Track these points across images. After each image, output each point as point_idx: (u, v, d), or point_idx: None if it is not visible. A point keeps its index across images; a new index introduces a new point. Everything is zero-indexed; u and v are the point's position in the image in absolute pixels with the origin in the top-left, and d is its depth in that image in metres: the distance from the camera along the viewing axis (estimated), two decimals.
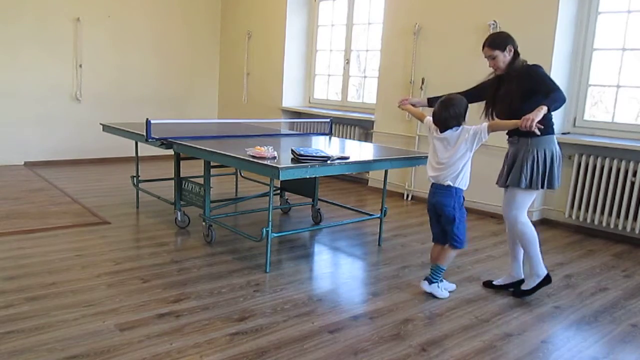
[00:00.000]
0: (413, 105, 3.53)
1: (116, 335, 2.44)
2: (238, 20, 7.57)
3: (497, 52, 3.09)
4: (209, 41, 7.82)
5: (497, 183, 3.26)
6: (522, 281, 3.21)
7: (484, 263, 3.75)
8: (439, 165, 3.05)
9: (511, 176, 3.09)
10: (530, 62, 3.16)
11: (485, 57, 3.15)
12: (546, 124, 2.89)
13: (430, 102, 3.42)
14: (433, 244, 3.18)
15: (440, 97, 3.08)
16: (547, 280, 3.14)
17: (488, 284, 3.30)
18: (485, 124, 3.03)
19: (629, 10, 4.43)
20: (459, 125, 2.99)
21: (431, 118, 3.08)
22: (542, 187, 3.03)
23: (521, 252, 3.20)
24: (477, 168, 5.08)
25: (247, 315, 2.73)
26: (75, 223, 4.19)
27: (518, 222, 3.07)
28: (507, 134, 3.24)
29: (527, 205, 3.10)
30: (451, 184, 3.01)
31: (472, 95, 3.30)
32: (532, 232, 3.07)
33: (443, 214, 3.02)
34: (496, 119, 3.21)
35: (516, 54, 3.14)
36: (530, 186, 3.02)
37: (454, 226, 3.00)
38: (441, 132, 3.01)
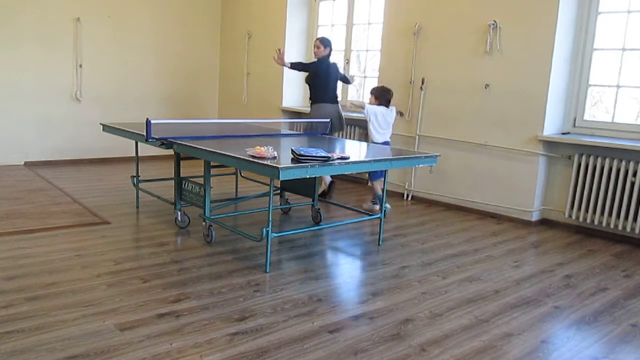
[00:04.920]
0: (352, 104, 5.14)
1: (116, 335, 2.45)
2: (238, 20, 7.57)
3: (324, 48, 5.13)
4: (209, 41, 7.82)
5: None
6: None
7: (484, 263, 3.75)
8: (384, 130, 4.87)
9: None
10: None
11: (314, 46, 5.12)
12: None
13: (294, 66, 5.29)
14: (373, 182, 4.92)
15: (298, 64, 5.37)
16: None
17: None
18: None
19: (629, 10, 4.43)
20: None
21: (371, 105, 4.82)
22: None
23: None
24: (477, 168, 5.11)
25: (247, 315, 2.73)
26: (75, 223, 4.19)
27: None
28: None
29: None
30: (389, 140, 4.90)
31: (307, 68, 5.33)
32: None
33: None
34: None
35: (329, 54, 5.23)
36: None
37: None
38: (387, 107, 4.87)
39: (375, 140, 4.85)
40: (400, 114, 5.19)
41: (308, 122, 5.27)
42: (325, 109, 5.19)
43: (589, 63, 4.64)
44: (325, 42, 5.18)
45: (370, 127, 4.78)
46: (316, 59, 5.23)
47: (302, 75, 7.09)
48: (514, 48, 4.75)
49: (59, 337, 2.40)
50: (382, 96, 4.93)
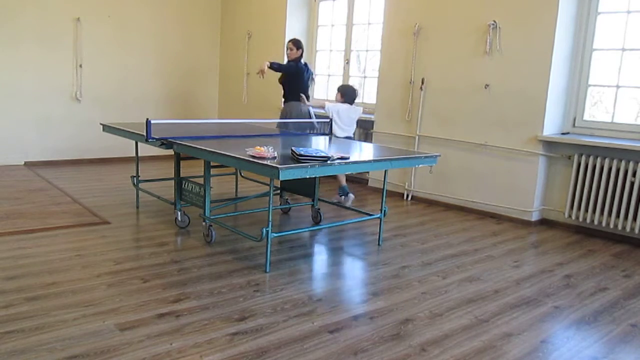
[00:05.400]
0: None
1: (116, 335, 2.45)
2: (238, 20, 7.57)
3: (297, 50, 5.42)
4: (209, 41, 7.82)
5: None
6: None
7: (484, 263, 3.75)
8: (347, 127, 5.11)
9: None
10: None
11: (287, 48, 5.47)
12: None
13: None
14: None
15: (276, 64, 5.40)
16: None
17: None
18: None
19: (629, 10, 4.43)
20: None
21: (331, 104, 5.10)
22: None
23: None
24: (477, 168, 5.11)
25: (247, 315, 2.73)
26: (75, 223, 4.19)
27: None
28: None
29: None
30: (351, 135, 5.16)
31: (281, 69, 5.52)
32: None
33: None
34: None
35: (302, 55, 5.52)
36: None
37: None
38: (351, 104, 5.12)
39: (337, 135, 5.04)
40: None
41: (296, 121, 5.48)
42: (300, 107, 5.48)
43: (588, 63, 4.64)
44: (297, 44, 5.48)
45: (334, 123, 5.00)
46: (291, 61, 5.51)
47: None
48: (514, 48, 4.75)
49: (59, 337, 2.41)
50: (347, 94, 5.19)
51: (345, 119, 5.09)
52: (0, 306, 2.68)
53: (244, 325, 2.62)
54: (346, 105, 5.13)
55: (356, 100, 5.28)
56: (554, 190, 4.79)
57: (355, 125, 5.24)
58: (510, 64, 4.78)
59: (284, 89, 5.61)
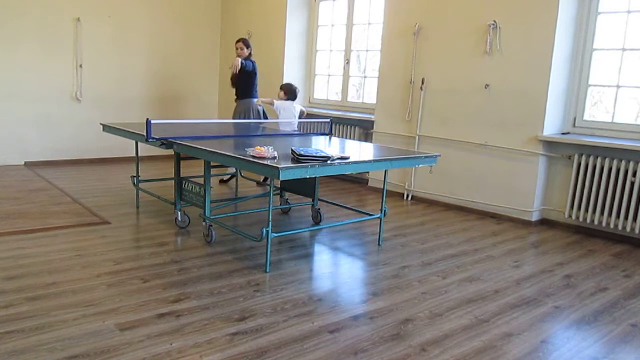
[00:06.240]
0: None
1: (116, 335, 2.45)
2: (238, 20, 7.57)
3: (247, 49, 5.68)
4: (209, 41, 7.82)
5: None
6: None
7: (484, 263, 3.75)
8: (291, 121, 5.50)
9: None
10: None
11: (236, 48, 5.67)
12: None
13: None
14: None
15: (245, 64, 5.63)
16: None
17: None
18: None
19: (629, 10, 4.43)
20: None
21: (278, 100, 5.49)
22: None
23: None
24: (477, 168, 5.11)
25: (247, 315, 2.73)
26: (75, 223, 4.19)
27: None
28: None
29: None
30: (296, 129, 5.47)
31: None
32: None
33: None
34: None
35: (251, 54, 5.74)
36: None
37: None
38: (293, 101, 5.54)
39: (282, 128, 5.46)
40: (302, 112, 5.73)
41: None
42: (255, 104, 5.81)
43: (588, 63, 4.64)
44: (246, 43, 5.74)
45: (279, 118, 5.49)
46: (250, 60, 5.71)
47: (302, 75, 7.13)
48: (514, 48, 4.75)
49: (59, 337, 2.41)
50: (290, 92, 5.58)
51: (289, 115, 5.52)
52: (0, 306, 2.68)
53: (244, 325, 2.62)
54: (289, 102, 5.55)
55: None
56: (554, 190, 4.79)
57: (297, 120, 5.63)
58: (510, 64, 4.78)
59: (239, 87, 5.81)
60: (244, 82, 5.76)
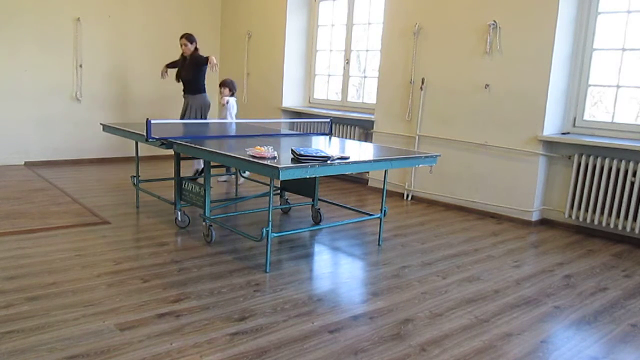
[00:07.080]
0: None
1: (116, 335, 2.45)
2: (238, 20, 7.57)
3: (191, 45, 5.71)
4: (209, 41, 7.81)
5: None
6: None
7: (484, 263, 3.75)
8: (234, 116, 5.62)
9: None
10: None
11: (181, 45, 5.74)
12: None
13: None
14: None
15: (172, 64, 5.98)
16: None
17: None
18: None
19: (629, 10, 4.43)
20: None
21: (230, 97, 5.62)
22: None
23: None
24: (477, 168, 5.11)
25: (247, 315, 2.73)
26: (75, 223, 4.19)
27: None
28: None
29: None
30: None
31: (176, 66, 5.91)
32: None
33: None
34: (182, 80, 5.82)
35: (196, 48, 5.75)
36: None
37: None
38: (232, 96, 5.70)
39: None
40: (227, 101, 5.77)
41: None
42: (205, 98, 5.89)
43: (588, 63, 4.64)
44: (190, 39, 5.76)
45: (229, 115, 5.58)
46: (191, 55, 5.74)
47: (302, 75, 7.12)
48: (514, 48, 4.75)
49: (59, 337, 2.41)
50: (234, 88, 5.78)
51: (233, 111, 5.67)
52: (0, 306, 2.68)
53: (244, 325, 2.62)
54: (234, 98, 5.74)
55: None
56: (554, 190, 4.79)
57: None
58: (510, 64, 4.78)
59: (189, 82, 5.80)
60: (197, 77, 5.78)
